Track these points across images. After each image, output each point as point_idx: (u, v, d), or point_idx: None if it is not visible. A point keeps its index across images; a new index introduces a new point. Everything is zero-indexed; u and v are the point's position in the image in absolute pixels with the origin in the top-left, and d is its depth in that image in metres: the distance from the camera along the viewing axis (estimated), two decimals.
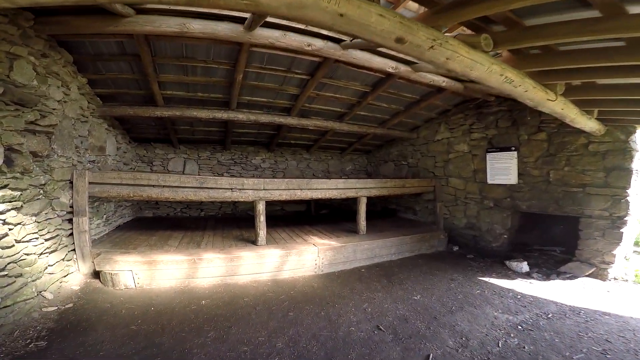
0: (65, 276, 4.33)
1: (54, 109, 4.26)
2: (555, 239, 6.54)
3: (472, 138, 6.88)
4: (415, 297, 4.47)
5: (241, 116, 6.40)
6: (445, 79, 5.68)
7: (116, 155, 6.93)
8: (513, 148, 6.09)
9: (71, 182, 4.65)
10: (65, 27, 3.74)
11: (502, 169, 6.26)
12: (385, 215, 8.83)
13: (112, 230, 6.34)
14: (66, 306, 3.74)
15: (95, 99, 5.71)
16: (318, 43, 4.28)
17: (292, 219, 8.11)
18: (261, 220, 5.40)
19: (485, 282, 5.09)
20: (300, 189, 5.60)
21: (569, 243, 5.75)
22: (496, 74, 3.07)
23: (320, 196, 5.81)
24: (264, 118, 6.59)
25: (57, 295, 3.96)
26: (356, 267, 5.72)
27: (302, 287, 4.76)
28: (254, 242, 5.49)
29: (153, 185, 4.95)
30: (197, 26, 3.84)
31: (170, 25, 3.78)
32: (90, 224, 5.47)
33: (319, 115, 7.12)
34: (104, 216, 6.17)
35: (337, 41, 4.39)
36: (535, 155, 5.80)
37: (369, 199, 6.45)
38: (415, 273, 5.48)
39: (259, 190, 5.33)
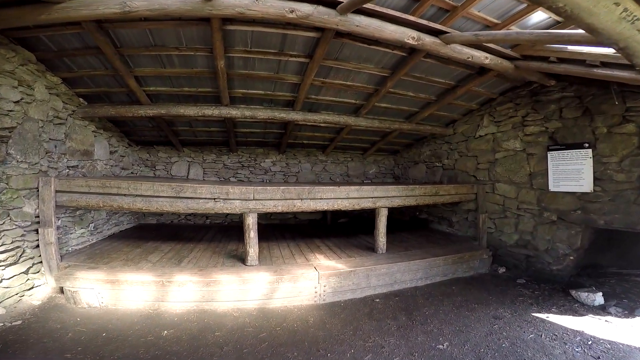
0: (29, 289, 4.10)
1: (9, 111, 3.92)
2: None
3: (527, 133, 5.40)
4: (441, 346, 3.26)
5: (235, 112, 5.55)
6: (489, 55, 4.36)
7: (110, 159, 6.42)
8: (586, 145, 4.57)
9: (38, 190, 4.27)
10: None
11: (571, 172, 4.75)
12: (414, 226, 7.51)
13: (101, 240, 5.85)
14: (13, 323, 3.42)
15: (76, 99, 5.28)
16: (304, 8, 3.24)
17: (303, 229, 7.10)
18: (251, 236, 4.45)
19: (543, 320, 3.78)
20: (301, 199, 4.56)
21: None
22: None
23: (326, 207, 4.72)
24: (262, 114, 5.66)
25: (12, 310, 3.71)
26: (369, 295, 4.56)
27: (294, 322, 3.76)
28: (244, 261, 4.56)
29: (124, 194, 4.28)
30: (140, 3, 3.11)
31: (109, 6, 3.16)
32: (70, 233, 5.15)
33: (330, 109, 6.06)
34: (91, 225, 5.68)
35: (331, 5, 3.32)
36: (620, 154, 4.25)
37: (393, 209, 5.24)
38: (446, 307, 4.21)
39: (248, 200, 4.38)
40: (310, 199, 4.62)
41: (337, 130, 6.98)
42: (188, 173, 7.67)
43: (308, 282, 4.24)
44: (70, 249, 5.05)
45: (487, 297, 4.54)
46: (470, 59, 4.27)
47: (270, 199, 4.46)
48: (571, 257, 4.90)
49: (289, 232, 6.74)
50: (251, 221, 4.44)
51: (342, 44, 4.22)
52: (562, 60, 4.16)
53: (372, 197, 4.96)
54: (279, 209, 4.52)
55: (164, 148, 7.63)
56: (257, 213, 4.46)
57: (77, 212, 5.29)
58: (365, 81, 5.25)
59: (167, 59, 4.50)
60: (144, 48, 4.23)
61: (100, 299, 3.98)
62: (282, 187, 4.52)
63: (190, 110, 5.50)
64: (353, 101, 5.84)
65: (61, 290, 4.12)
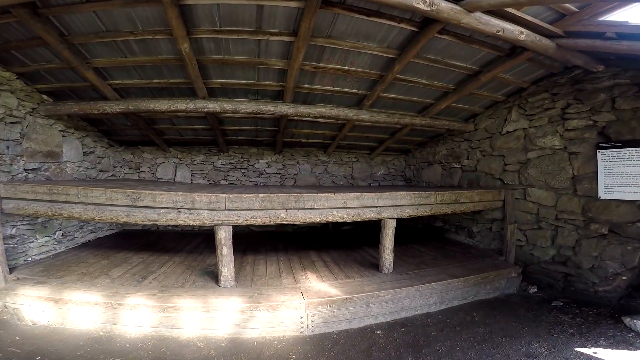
0: None
1: None
2: None
3: (569, 127, 4.43)
4: None
5: (212, 105, 4.82)
6: (525, 30, 3.45)
7: (83, 161, 5.79)
8: None
9: None
10: None
11: (629, 175, 3.78)
12: (427, 236, 6.58)
13: (71, 249, 5.27)
14: None
15: (37, 95, 4.73)
16: None
17: (300, 239, 6.29)
18: (224, 253, 3.69)
19: (590, 357, 2.98)
20: (285, 209, 3.74)
21: None
22: None
23: (319, 219, 3.90)
24: (245, 107, 4.88)
25: None
26: (369, 325, 3.73)
27: (270, 359, 3.04)
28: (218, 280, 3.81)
29: (74, 202, 3.60)
30: None
31: None
32: (30, 242, 4.63)
33: (327, 101, 5.22)
34: (58, 232, 5.12)
35: None
36: None
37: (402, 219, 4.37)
38: (465, 342, 3.36)
39: (219, 210, 3.60)
40: (298, 209, 3.80)
41: (339, 127, 6.13)
42: (175, 175, 6.97)
43: (291, 312, 3.44)
44: (29, 258, 4.54)
45: (517, 327, 3.67)
46: (500, 33, 3.37)
47: (247, 209, 3.66)
48: (624, 277, 3.92)
49: (283, 243, 5.94)
50: (223, 235, 3.66)
51: (334, 16, 3.39)
52: (622, 37, 3.21)
53: (376, 207, 4.09)
54: (258, 220, 3.72)
55: (149, 148, 6.96)
56: (233, 225, 3.68)
57: (39, 219, 4.69)
58: (368, 65, 4.39)
59: (126, 47, 3.84)
60: (95, 35, 3.60)
61: (47, 316, 3.45)
62: (261, 195, 3.71)
63: (161, 105, 4.80)
64: (354, 91, 4.99)
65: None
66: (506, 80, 4.78)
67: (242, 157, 7.00)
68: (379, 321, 3.81)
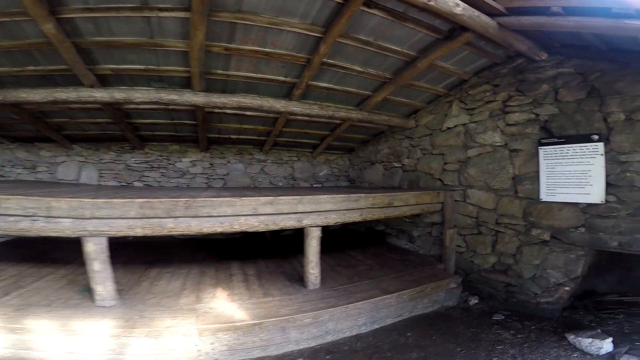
0: None
1: None
2: None
3: (509, 122, 3.90)
4: None
5: (100, 95, 3.80)
6: (461, 3, 2.81)
7: None
8: (595, 137, 3.09)
9: None
10: None
11: (572, 175, 3.27)
12: (369, 240, 5.88)
13: None
14: None
15: None
16: None
17: (227, 248, 5.22)
18: (96, 269, 2.73)
19: None
20: (174, 218, 2.79)
21: None
22: None
23: (220, 229, 2.98)
24: (141, 95, 3.88)
25: None
26: (290, 352, 2.96)
27: None
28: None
29: None
30: None
31: None
32: None
33: (252, 90, 4.29)
34: None
35: None
36: None
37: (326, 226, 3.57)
38: None
39: (84, 219, 2.62)
40: (191, 217, 2.87)
41: (273, 121, 5.23)
42: (79, 176, 5.67)
43: (181, 339, 2.60)
44: None
45: (454, 349, 3.05)
46: (432, 3, 2.67)
47: (120, 218, 2.68)
48: (566, 288, 3.44)
49: (205, 252, 4.90)
50: (93, 249, 2.69)
51: None
52: (570, 12, 2.62)
53: (295, 213, 3.24)
54: (138, 231, 2.77)
55: (48, 145, 5.58)
56: (107, 237, 2.70)
57: None
58: (293, 46, 3.57)
59: None
60: None
61: None
62: (138, 201, 2.73)
63: (37, 95, 3.77)
64: (281, 78, 4.12)
65: None
66: (447, 70, 4.17)
67: (160, 155, 5.82)
68: (301, 347, 3.02)
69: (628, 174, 2.89)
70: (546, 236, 3.52)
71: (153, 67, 3.74)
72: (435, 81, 4.50)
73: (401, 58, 3.86)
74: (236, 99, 4.14)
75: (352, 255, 4.85)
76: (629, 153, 2.88)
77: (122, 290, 3.16)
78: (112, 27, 3.12)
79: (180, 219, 2.84)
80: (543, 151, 3.54)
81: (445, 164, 4.66)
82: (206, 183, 6.04)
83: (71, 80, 3.77)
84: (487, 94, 4.20)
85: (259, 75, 4.04)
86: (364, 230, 6.49)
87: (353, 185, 7.05)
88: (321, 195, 3.38)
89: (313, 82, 4.21)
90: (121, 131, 5.16)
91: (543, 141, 3.56)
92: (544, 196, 3.51)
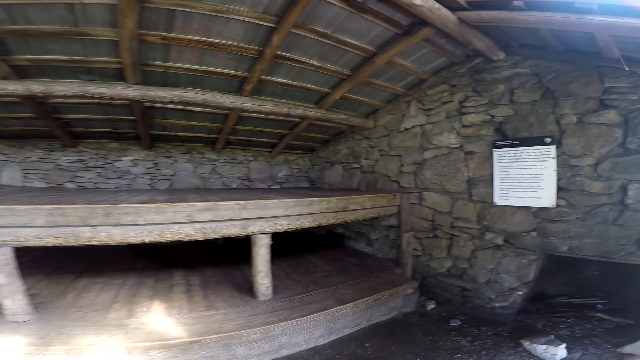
0: None
1: None
2: (590, 283, 3.75)
3: (465, 123, 3.80)
4: None
5: (13, 87, 3.26)
6: None
7: None
8: (548, 139, 3.04)
9: None
10: None
11: (525, 178, 3.21)
12: (327, 244, 5.60)
13: None
14: None
15: None
16: None
17: (173, 255, 4.55)
18: (1, 281, 2.22)
19: None
20: (91, 226, 2.34)
21: (619, 291, 3.32)
22: None
23: (148, 238, 2.52)
24: (63, 88, 3.33)
25: None
26: None
27: None
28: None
29: None
30: None
31: None
32: None
33: (198, 84, 3.81)
34: None
35: None
36: (596, 153, 2.77)
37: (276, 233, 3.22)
38: None
39: None
40: (113, 226, 2.40)
41: (223, 119, 4.76)
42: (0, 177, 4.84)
43: (107, 358, 2.28)
44: None
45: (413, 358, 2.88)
46: None
47: (26, 226, 2.19)
48: (519, 292, 3.40)
49: (147, 259, 4.30)
50: None
51: None
52: (531, 6, 2.47)
53: (239, 220, 2.86)
54: (48, 241, 2.31)
55: None
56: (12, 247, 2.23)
57: None
58: (242, 37, 3.19)
59: None
60: None
61: None
62: (47, 207, 2.25)
63: None
64: (230, 72, 3.68)
65: None
66: (406, 68, 3.99)
67: (97, 154, 5.07)
68: None
69: (578, 178, 2.86)
70: (499, 240, 3.44)
71: (79, 57, 3.21)
72: (394, 80, 4.32)
73: (360, 53, 3.61)
74: (177, 93, 3.63)
75: (310, 261, 4.55)
76: (580, 157, 2.85)
77: (42, 304, 2.75)
78: (29, 15, 2.63)
79: (99, 227, 2.37)
80: (497, 154, 3.46)
81: (402, 165, 4.50)
82: (149, 184, 5.39)
83: None
84: (445, 94, 4.09)
85: (205, 68, 3.58)
86: (324, 233, 6.22)
87: (313, 186, 6.74)
88: (270, 199, 3.02)
89: (267, 77, 3.84)
90: (48, 127, 4.42)
91: (497, 143, 3.48)
92: (498, 200, 3.43)
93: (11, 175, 4.89)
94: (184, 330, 2.54)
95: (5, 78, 3.23)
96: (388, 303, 3.68)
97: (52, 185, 4.96)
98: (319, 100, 4.58)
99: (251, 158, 6.22)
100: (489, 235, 3.51)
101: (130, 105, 3.99)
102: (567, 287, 3.92)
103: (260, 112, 4.23)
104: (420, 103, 4.41)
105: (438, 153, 4.05)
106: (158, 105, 4.14)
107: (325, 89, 4.32)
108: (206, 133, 5.27)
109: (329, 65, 3.80)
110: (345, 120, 4.90)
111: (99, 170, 5.11)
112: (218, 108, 4.29)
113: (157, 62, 3.41)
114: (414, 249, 4.25)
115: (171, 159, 5.51)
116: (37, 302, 2.79)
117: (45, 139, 4.93)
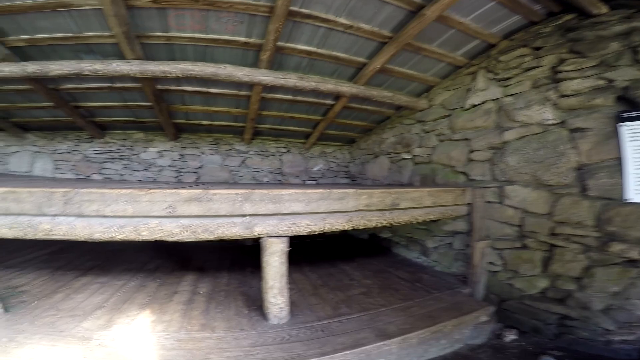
0: None
1: None
2: None
3: (566, 92, 2.59)
4: None
5: (9, 69, 2.99)
6: None
7: None
8: None
9: None
10: None
11: None
12: (370, 251, 4.60)
13: None
14: None
15: None
16: None
17: (190, 256, 3.99)
18: None
19: None
20: (50, 216, 1.81)
21: None
22: None
23: (119, 235, 1.86)
24: (58, 67, 2.93)
25: None
26: None
27: None
28: None
29: None
30: None
31: None
32: None
33: (209, 57, 3.16)
34: None
35: None
36: None
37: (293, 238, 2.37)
38: None
39: None
40: (75, 217, 1.82)
41: (246, 102, 4.05)
42: (32, 168, 4.70)
43: None
44: None
45: None
46: None
47: None
48: None
49: (165, 258, 3.78)
50: None
51: None
52: None
53: (240, 216, 2.06)
54: (3, 232, 1.84)
55: (1, 134, 4.67)
56: None
57: None
58: None
59: None
60: None
61: None
62: (1, 190, 1.70)
63: None
64: (242, 39, 2.98)
65: None
66: (467, 29, 2.93)
67: (123, 145, 4.75)
68: None
69: None
70: (635, 254, 2.20)
71: (73, 34, 2.82)
72: (452, 45, 3.25)
73: (402, 5, 2.64)
74: (181, 66, 3.00)
75: (346, 272, 3.62)
76: None
77: (23, 303, 2.42)
78: None
79: (59, 218, 1.80)
80: (627, 129, 2.23)
81: (472, 152, 3.34)
82: (176, 177, 4.93)
83: None
84: (527, 58, 2.92)
85: (211, 36, 2.93)
86: (366, 237, 5.23)
87: (354, 182, 5.79)
88: (284, 190, 2.16)
89: (286, 44, 3.06)
90: (69, 116, 4.13)
91: (624, 115, 2.25)
92: (633, 195, 2.20)
93: (43, 167, 4.78)
94: (155, 358, 1.86)
95: (4, 60, 2.95)
96: (451, 335, 2.63)
97: (80, 176, 4.73)
98: (354, 74, 3.64)
99: (283, 150, 5.48)
100: (616, 247, 2.27)
101: (142, 88, 3.48)
102: None
103: (282, 86, 3.40)
104: (490, 73, 3.26)
105: (526, 133, 2.86)
106: (173, 88, 3.61)
107: (361, 59, 3.38)
108: (232, 121, 4.65)
109: (362, 25, 2.88)
110: (390, 99, 3.88)
111: (125, 162, 4.79)
112: (236, 86, 3.63)
113: (157, 33, 2.86)
114: (490, 263, 3.09)
115: (198, 151, 5.00)
116: (18, 301, 2.43)
117: (74, 131, 4.72)
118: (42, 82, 3.34)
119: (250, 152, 5.28)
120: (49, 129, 4.67)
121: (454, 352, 2.69)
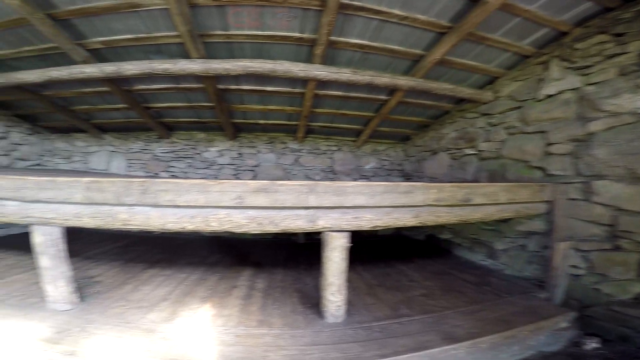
0: None
1: None
2: None
3: None
4: None
5: (89, 70, 3.35)
6: None
7: None
8: None
9: None
10: None
11: None
12: (428, 252, 4.40)
13: None
14: None
15: None
16: None
17: (249, 251, 4.19)
18: (44, 264, 2.21)
19: None
20: (128, 205, 2.02)
21: None
22: None
23: (189, 225, 2.00)
24: (132, 67, 3.25)
25: None
26: None
27: None
28: None
29: None
30: None
31: None
32: None
33: (263, 55, 3.32)
34: None
35: None
36: None
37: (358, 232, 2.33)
38: None
39: (28, 202, 2.11)
40: (150, 207, 1.97)
41: (300, 100, 4.13)
42: (109, 166, 5.29)
43: None
44: None
45: None
46: None
47: (65, 202, 2.00)
48: None
49: (225, 252, 3.99)
50: (42, 240, 2.11)
51: None
52: None
53: (305, 209, 2.08)
54: (87, 221, 2.04)
55: (83, 136, 5.36)
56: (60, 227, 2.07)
57: None
58: None
59: None
60: None
61: None
62: (85, 180, 1.99)
63: (32, 75, 3.45)
64: (296, 34, 3.05)
65: None
66: (534, 17, 2.71)
67: (187, 144, 5.16)
68: None
69: None
70: None
71: (143, 35, 3.10)
72: (518, 35, 3.01)
73: None
74: (241, 64, 3.16)
75: (404, 272, 3.51)
76: None
77: (96, 293, 2.61)
78: None
79: (136, 207, 1.98)
80: None
81: (549, 145, 3.05)
82: (234, 175, 5.21)
83: (59, 59, 3.39)
84: (608, 45, 2.61)
85: (267, 33, 3.04)
86: (423, 238, 5.04)
87: (410, 180, 5.62)
88: (349, 183, 2.15)
89: (338, 38, 3.08)
90: (141, 118, 4.57)
91: None
92: None
93: (118, 165, 5.33)
94: (215, 353, 1.90)
95: (84, 62, 3.34)
96: (525, 340, 2.41)
97: (149, 174, 5.20)
98: (410, 67, 3.52)
99: (335, 148, 5.50)
100: None
101: (205, 88, 3.73)
102: None
103: (335, 81, 3.41)
104: (565, 61, 2.95)
105: (616, 123, 2.54)
106: (232, 87, 3.85)
107: (417, 50, 3.26)
108: (285, 119, 4.79)
109: (417, 15, 2.78)
110: (452, 91, 3.69)
111: (189, 161, 5.18)
112: (290, 83, 3.74)
113: (218, 32, 3.05)
114: (573, 266, 2.79)
115: (254, 149, 5.25)
116: (93, 291, 2.64)
117: (145, 132, 5.20)
118: (117, 83, 3.74)
119: (303, 151, 5.40)
120: (123, 129, 5.22)
121: None
